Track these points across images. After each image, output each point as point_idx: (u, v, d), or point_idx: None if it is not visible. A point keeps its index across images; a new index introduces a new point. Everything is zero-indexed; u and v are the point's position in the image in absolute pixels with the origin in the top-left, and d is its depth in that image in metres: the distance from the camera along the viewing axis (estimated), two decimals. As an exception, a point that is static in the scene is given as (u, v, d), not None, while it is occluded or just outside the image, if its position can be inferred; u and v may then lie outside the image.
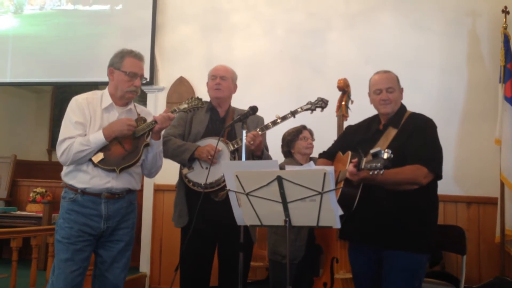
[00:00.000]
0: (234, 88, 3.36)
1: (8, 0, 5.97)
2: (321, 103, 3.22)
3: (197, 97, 3.04)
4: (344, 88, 3.60)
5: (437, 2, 4.68)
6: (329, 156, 2.99)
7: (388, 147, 2.57)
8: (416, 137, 2.64)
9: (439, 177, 2.65)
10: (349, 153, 2.72)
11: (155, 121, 2.81)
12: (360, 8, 4.87)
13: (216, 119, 3.27)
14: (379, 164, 2.20)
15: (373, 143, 2.72)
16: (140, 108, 3.00)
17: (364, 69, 4.56)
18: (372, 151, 2.25)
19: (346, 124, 3.34)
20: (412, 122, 2.73)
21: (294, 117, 3.16)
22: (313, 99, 3.25)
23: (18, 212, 5.85)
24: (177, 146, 3.14)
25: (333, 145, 3.06)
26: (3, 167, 6.37)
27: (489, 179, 4.30)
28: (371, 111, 2.92)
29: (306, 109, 3.19)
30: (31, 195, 5.93)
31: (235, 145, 3.08)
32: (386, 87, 2.75)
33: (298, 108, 3.16)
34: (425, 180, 2.56)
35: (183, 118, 3.29)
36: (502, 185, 4.14)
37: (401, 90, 2.83)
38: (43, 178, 6.37)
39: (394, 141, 2.68)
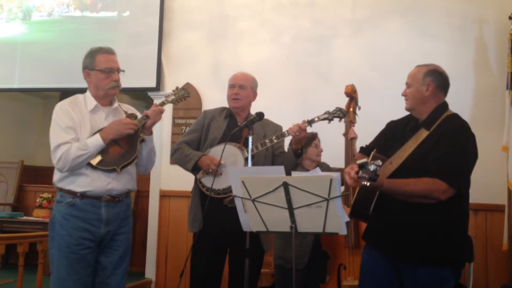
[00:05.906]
0: (253, 96, 3.31)
1: (16, 6, 6.02)
2: (339, 113, 3.11)
3: (182, 88, 3.00)
4: (352, 94, 3.60)
5: (443, 9, 4.67)
6: (366, 151, 2.72)
7: (414, 151, 2.42)
8: (441, 145, 2.36)
9: (461, 195, 2.34)
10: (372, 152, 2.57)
11: (146, 116, 2.80)
12: (366, 15, 4.87)
13: (234, 126, 3.19)
14: (366, 175, 2.09)
15: (403, 142, 2.51)
16: (125, 106, 2.96)
17: (370, 75, 4.59)
18: (358, 162, 2.12)
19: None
20: (444, 126, 2.43)
21: (311, 126, 3.10)
22: (320, 106, 3.21)
23: (25, 218, 5.86)
24: (184, 156, 3.15)
25: (374, 140, 2.80)
26: (10, 172, 6.40)
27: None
28: (379, 117, 2.91)
29: (323, 119, 3.09)
30: (37, 200, 5.96)
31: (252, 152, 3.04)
32: (406, 81, 2.58)
33: (315, 118, 3.07)
34: (443, 195, 2.27)
35: (200, 123, 3.29)
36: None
37: (431, 88, 2.51)
38: (49, 183, 6.28)
39: (422, 145, 2.43)
